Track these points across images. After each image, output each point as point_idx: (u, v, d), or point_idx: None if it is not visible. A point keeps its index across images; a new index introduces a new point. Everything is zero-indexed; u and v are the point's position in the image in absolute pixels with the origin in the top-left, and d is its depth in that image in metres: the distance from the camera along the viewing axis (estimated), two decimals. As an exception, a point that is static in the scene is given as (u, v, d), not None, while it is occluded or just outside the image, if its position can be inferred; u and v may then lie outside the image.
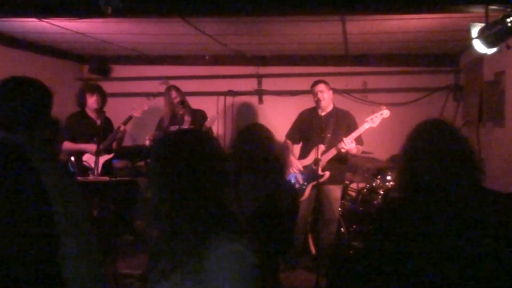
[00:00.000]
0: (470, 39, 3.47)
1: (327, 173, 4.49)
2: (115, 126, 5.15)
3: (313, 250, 4.97)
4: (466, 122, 5.46)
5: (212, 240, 1.34)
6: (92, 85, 5.27)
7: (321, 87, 4.62)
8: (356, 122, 4.61)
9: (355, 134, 4.45)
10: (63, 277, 1.79)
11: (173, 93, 5.23)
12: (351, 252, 4.72)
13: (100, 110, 5.01)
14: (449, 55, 6.02)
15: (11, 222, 1.72)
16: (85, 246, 1.86)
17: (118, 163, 5.72)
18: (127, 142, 5.75)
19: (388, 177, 5.07)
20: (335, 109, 4.72)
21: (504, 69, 4.44)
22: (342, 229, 4.76)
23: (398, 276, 1.76)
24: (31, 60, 5.76)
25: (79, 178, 3.90)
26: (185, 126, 5.06)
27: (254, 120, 6.31)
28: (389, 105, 4.92)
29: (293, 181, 4.56)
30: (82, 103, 5.04)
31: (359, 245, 4.69)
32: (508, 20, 3.13)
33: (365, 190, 5.22)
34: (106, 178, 4.26)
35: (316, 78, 4.86)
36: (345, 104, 5.37)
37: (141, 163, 5.85)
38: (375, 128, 4.49)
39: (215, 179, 1.45)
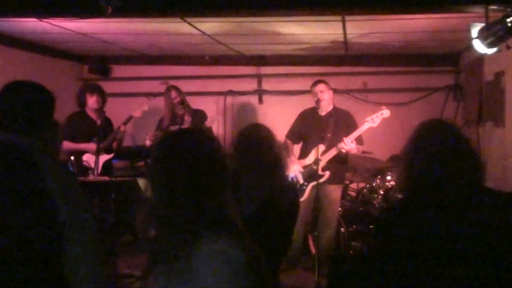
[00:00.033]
0: (470, 39, 3.47)
1: (327, 173, 4.49)
2: (115, 126, 5.15)
3: (313, 250, 4.95)
4: (466, 122, 5.46)
5: (197, 240, 1.34)
6: (92, 85, 5.29)
7: (321, 87, 4.61)
8: (356, 122, 4.61)
9: (355, 134, 4.45)
10: (65, 277, 1.80)
11: (173, 93, 5.23)
12: (351, 252, 4.71)
13: (100, 110, 5.01)
14: (449, 55, 6.03)
15: (15, 224, 1.73)
16: (88, 246, 1.87)
17: (118, 163, 5.71)
18: (127, 142, 5.75)
19: (388, 177, 5.06)
20: (335, 109, 4.71)
21: (504, 69, 4.44)
22: (342, 229, 4.75)
23: (398, 276, 1.76)
24: (31, 60, 5.75)
25: (79, 178, 3.90)
26: (185, 126, 5.06)
27: (254, 120, 6.30)
28: (389, 105, 4.92)
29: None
30: (82, 103, 5.04)
31: (359, 245, 4.69)
32: (508, 20, 3.12)
33: (365, 190, 5.22)
34: (106, 178, 4.27)
35: (316, 78, 4.86)
36: (345, 104, 5.36)
37: (141, 163, 5.84)
38: (375, 128, 4.48)
39: (215, 179, 1.45)
